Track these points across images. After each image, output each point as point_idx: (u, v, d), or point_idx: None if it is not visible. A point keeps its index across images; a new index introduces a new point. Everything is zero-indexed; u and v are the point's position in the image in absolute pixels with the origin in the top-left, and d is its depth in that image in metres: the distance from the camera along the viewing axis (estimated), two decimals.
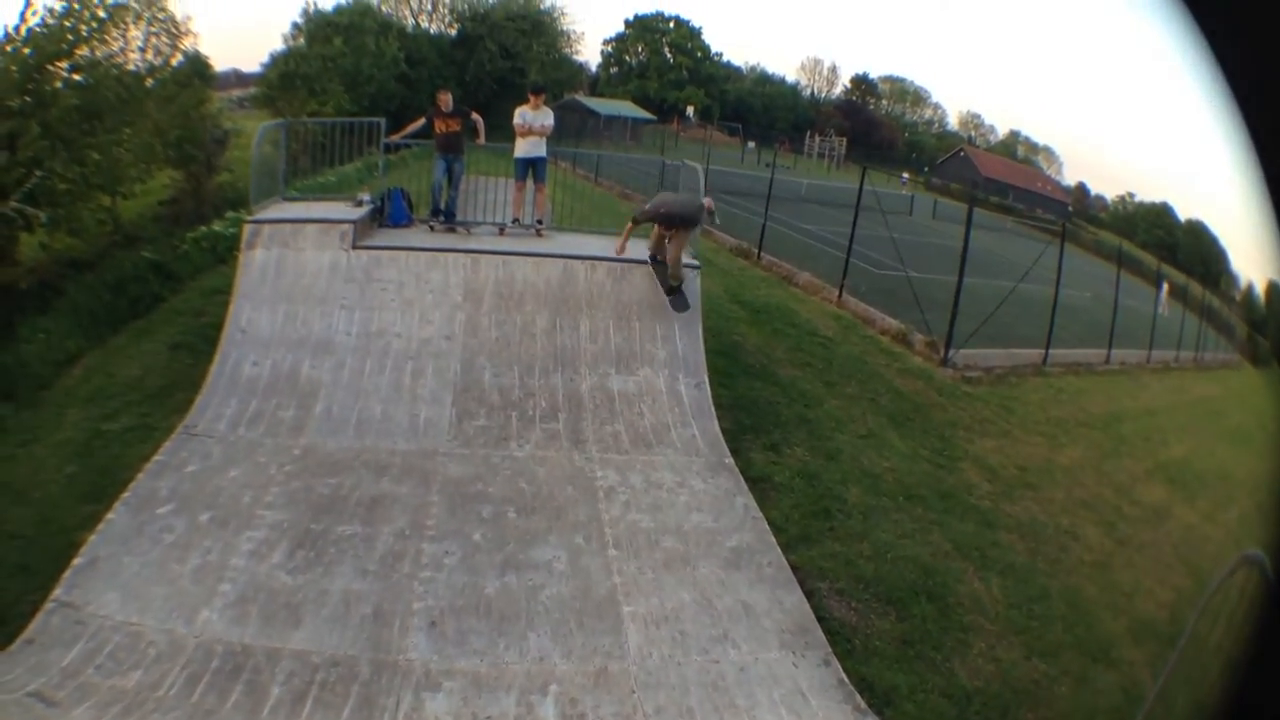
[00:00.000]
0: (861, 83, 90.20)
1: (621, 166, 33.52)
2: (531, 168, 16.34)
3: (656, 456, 12.21)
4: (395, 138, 16.85)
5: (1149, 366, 22.70)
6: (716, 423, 13.04)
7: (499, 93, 58.86)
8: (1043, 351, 20.70)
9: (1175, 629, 10.08)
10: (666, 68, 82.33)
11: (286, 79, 48.67)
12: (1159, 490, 15.69)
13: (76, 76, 21.43)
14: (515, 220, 16.49)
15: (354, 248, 14.17)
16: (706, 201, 14.97)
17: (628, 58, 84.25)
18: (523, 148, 16.27)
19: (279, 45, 56.53)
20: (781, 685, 8.60)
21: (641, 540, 10.48)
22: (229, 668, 8.15)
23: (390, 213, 16.10)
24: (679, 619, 9.33)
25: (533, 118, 16.12)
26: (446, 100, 16.15)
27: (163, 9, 27.89)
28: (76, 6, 21.51)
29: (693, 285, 14.59)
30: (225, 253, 20.37)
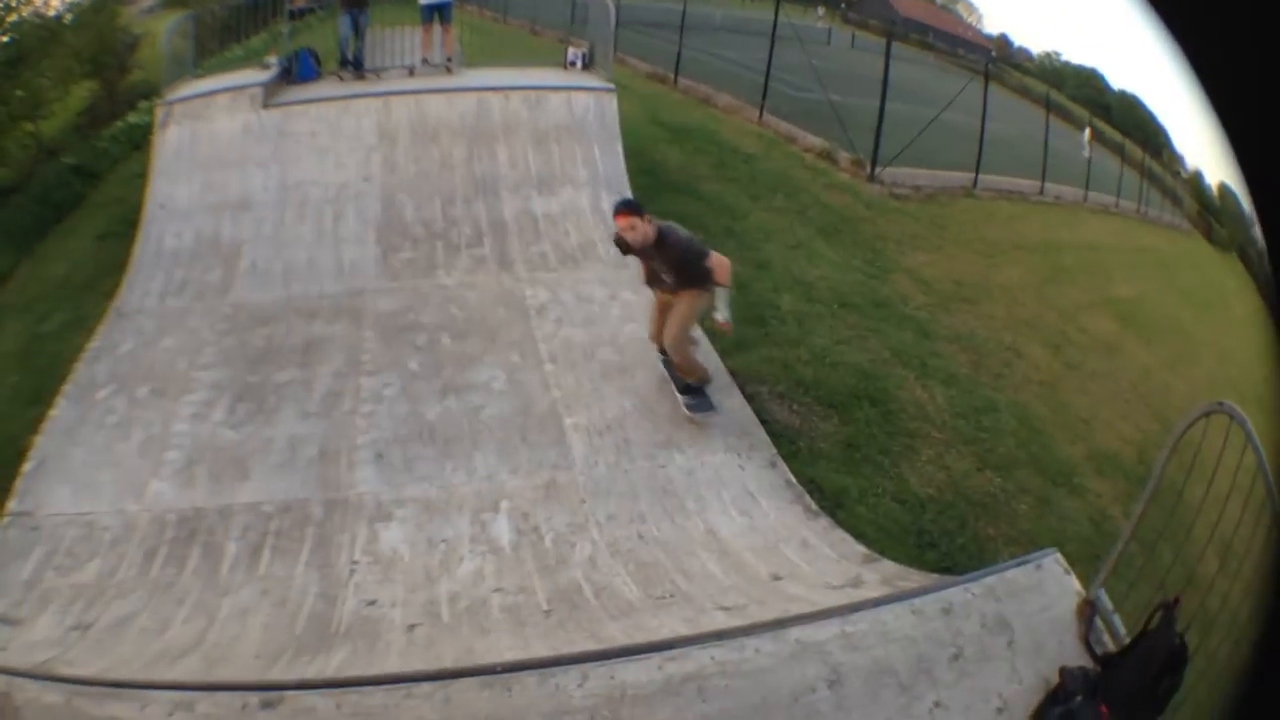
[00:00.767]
0: None
1: (530, 4, 32.68)
2: (437, 11, 16.12)
3: (585, 273, 12.23)
4: (299, 3, 16.63)
5: (1086, 206, 22.53)
6: None
7: None
8: (972, 175, 20.39)
9: (1143, 469, 10.34)
10: None
11: None
12: (1108, 324, 15.66)
13: (3, 39, 21.20)
14: (424, 60, 16.27)
15: (265, 107, 14.02)
16: (717, 266, 9.39)
17: None
18: None
19: None
20: (730, 487, 8.77)
21: (577, 353, 10.58)
22: (184, 535, 8.22)
23: (298, 71, 15.86)
24: (622, 427, 9.47)
25: None
26: None
27: None
28: None
29: (609, 108, 14.56)
30: (141, 140, 20.07)
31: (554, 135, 14.12)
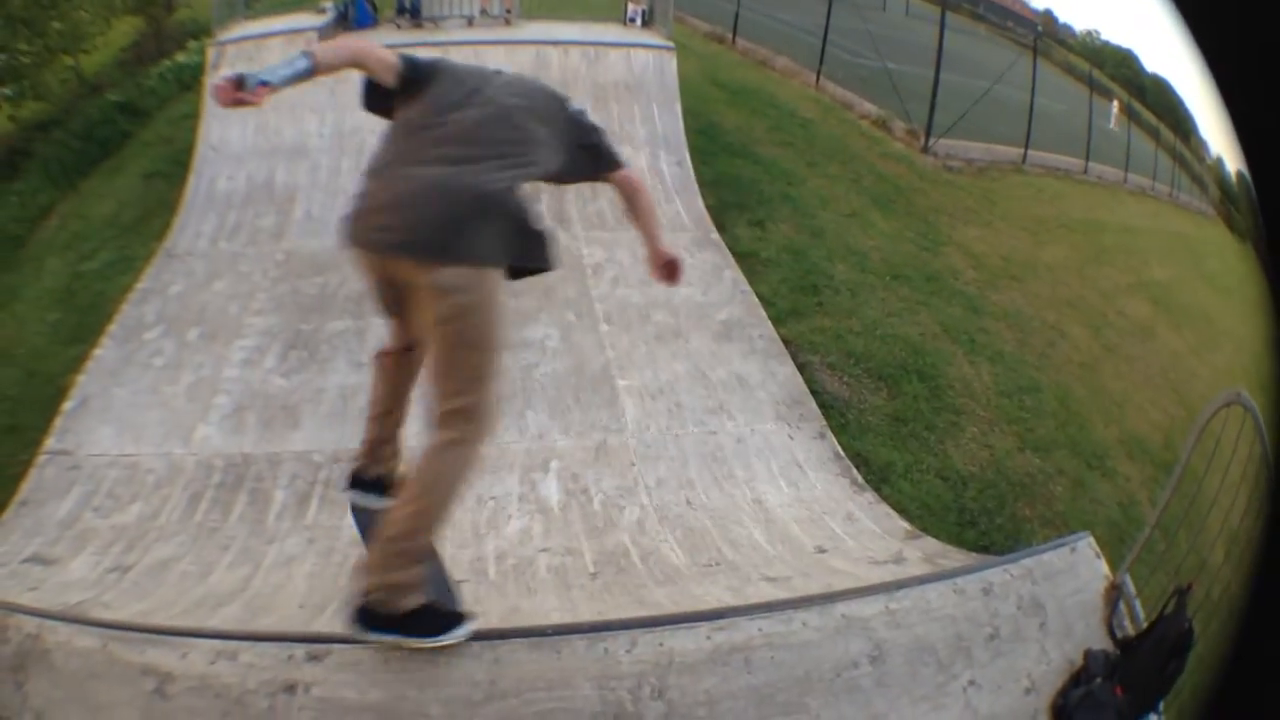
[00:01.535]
0: None
1: None
2: None
3: None
4: None
5: (1125, 187, 22.50)
6: (700, 199, 12.91)
7: None
8: (1022, 150, 20.37)
9: (1169, 455, 10.34)
10: None
11: None
12: (1144, 307, 15.64)
13: None
14: (483, 10, 16.09)
15: None
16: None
17: None
18: None
19: None
20: (779, 457, 8.71)
21: (632, 315, 10.48)
22: (230, 480, 8.22)
23: (355, 16, 15.79)
24: (674, 391, 9.39)
25: None
26: None
27: None
28: None
29: (668, 67, 14.36)
30: (191, 80, 20.03)
31: (613, 92, 13.98)
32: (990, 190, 17.94)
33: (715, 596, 6.56)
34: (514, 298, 10.27)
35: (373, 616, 4.65)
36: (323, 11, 15.48)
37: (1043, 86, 21.31)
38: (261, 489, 8.12)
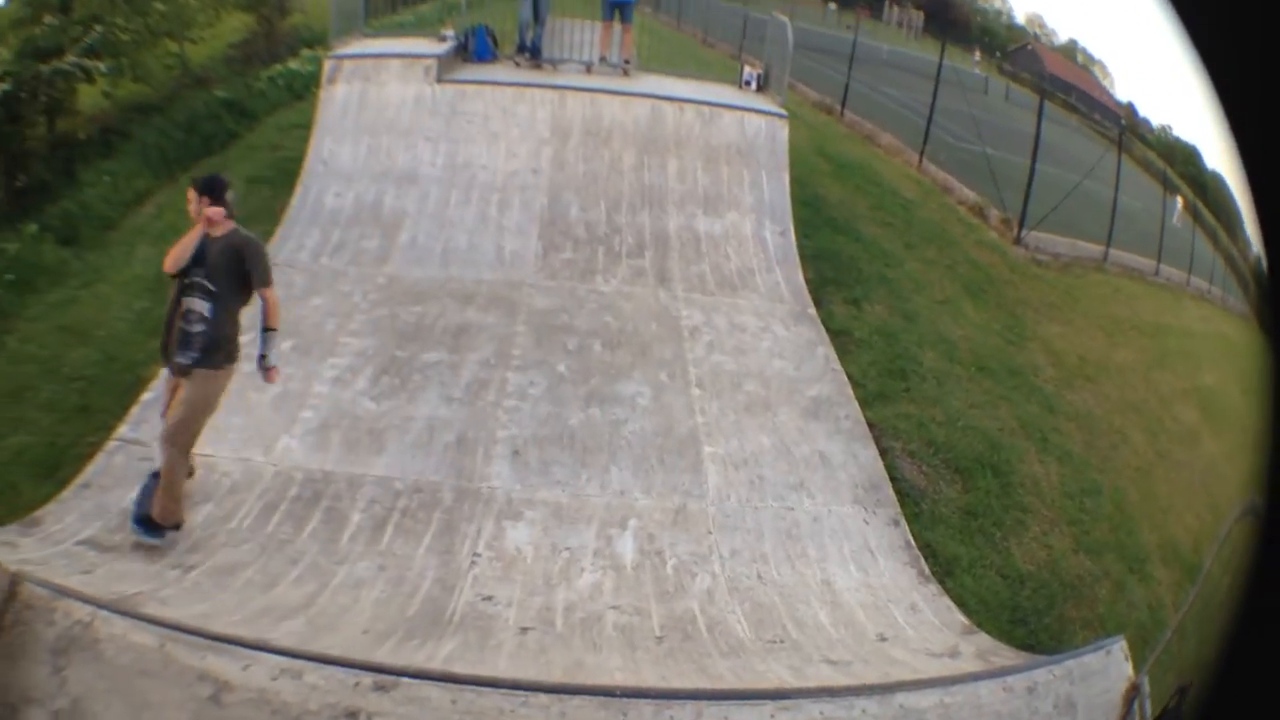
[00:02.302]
0: None
1: (704, 14, 32.99)
2: (618, 9, 16.03)
3: (741, 300, 12.10)
4: None
5: (1188, 290, 22.61)
6: (800, 272, 12.89)
7: None
8: (1104, 249, 20.41)
9: (1195, 559, 10.21)
10: None
11: None
12: (1193, 413, 15.57)
13: None
14: (602, 58, 16.24)
15: (439, 82, 14.01)
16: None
17: None
18: None
19: None
20: (852, 540, 8.65)
21: (724, 382, 10.46)
22: (308, 495, 8.25)
23: (474, 48, 15.95)
24: (758, 463, 9.33)
25: None
26: None
27: None
28: None
29: (780, 135, 14.34)
30: (303, 89, 20.25)
31: (724, 155, 14.03)
32: (1073, 287, 17.95)
33: (777, 674, 6.50)
34: (609, 350, 10.36)
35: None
36: (443, 39, 15.60)
37: (1123, 182, 21.60)
38: (338, 508, 8.13)
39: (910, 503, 9.35)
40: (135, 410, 9.02)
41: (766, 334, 11.42)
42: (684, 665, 6.70)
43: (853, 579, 8.25)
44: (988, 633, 7.82)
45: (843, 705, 5.31)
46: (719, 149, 14.08)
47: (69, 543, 7.34)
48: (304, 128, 14.54)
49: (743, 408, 10.11)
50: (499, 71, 15.40)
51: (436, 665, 5.99)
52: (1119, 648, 6.20)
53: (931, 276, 14.88)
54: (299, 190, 13.20)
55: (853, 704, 5.32)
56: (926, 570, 8.49)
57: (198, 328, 7.58)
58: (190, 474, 7.97)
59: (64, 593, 5.47)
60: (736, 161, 13.99)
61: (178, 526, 7.62)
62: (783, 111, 14.86)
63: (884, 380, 11.16)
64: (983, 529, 9.45)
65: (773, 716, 5.13)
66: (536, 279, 11.99)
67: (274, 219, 12.75)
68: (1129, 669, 6.09)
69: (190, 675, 4.87)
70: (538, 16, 16.02)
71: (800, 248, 13.41)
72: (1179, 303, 21.49)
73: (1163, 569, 10.47)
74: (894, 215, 17.05)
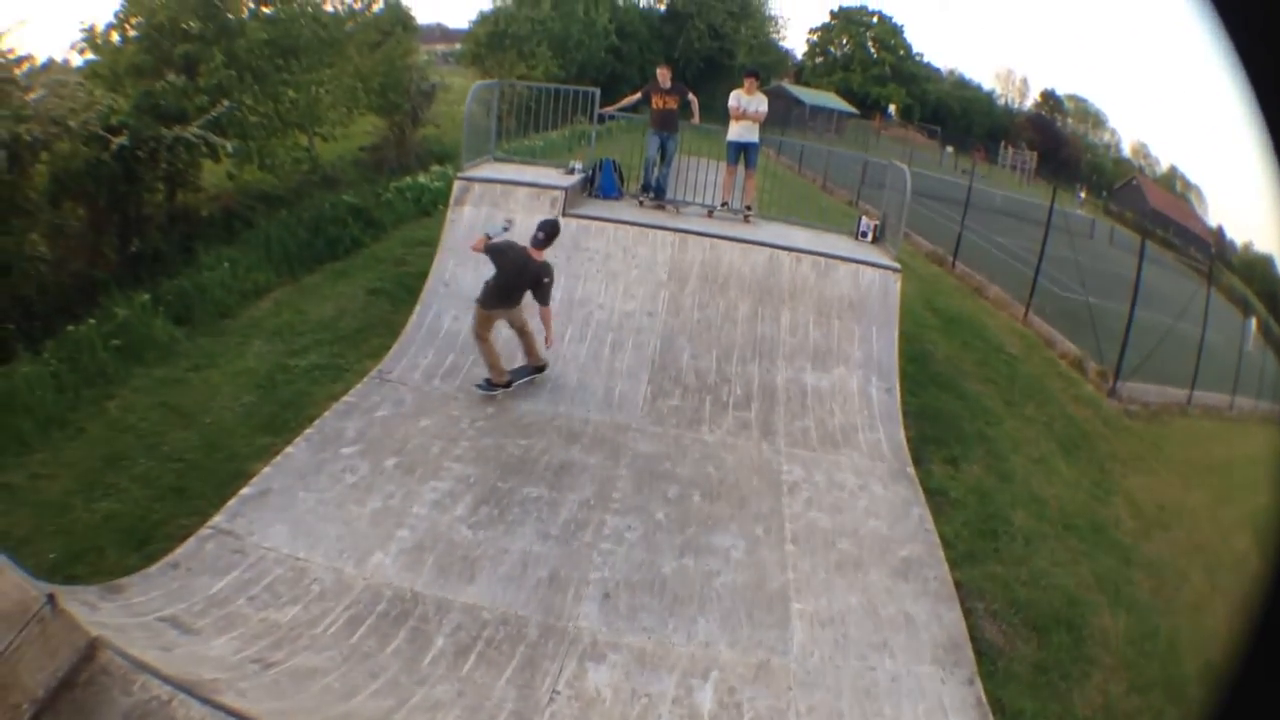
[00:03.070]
0: (1050, 98, 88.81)
1: (825, 159, 33.64)
2: (744, 152, 16.33)
3: (842, 457, 12.15)
4: (609, 109, 16.98)
5: (1257, 414, 22.44)
6: (902, 430, 12.94)
7: (705, 72, 58.88)
8: (1188, 392, 20.58)
9: None
10: (870, 62, 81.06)
11: (495, 38, 48.91)
12: (1246, 542, 15.43)
13: (265, 9, 21.89)
14: (724, 203, 16.54)
15: (564, 215, 14.32)
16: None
17: (832, 48, 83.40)
18: (736, 131, 16.26)
19: (486, 3, 56.74)
20: (927, 699, 8.57)
21: (819, 539, 10.47)
22: (395, 613, 8.36)
23: (600, 183, 16.40)
24: (844, 622, 9.31)
25: (748, 102, 16.09)
26: (666, 76, 16.12)
27: None
28: None
29: (892, 289, 14.51)
30: (430, 205, 20.80)
31: (836, 308, 14.20)
32: (1158, 437, 18.00)
33: None
34: (708, 500, 10.49)
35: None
36: (571, 172, 16.06)
37: (1209, 315, 21.95)
38: (424, 630, 8.25)
39: (987, 661, 9.32)
40: (233, 503, 9.33)
41: (864, 492, 11.47)
42: None
43: None
44: None
45: None
46: (832, 301, 14.26)
47: (150, 616, 7.54)
48: (429, 245, 14.94)
49: (834, 565, 10.13)
50: (623, 209, 15.80)
51: None
52: None
53: (1029, 434, 14.95)
54: (418, 308, 13.61)
55: None
56: None
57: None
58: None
59: (144, 668, 5.65)
60: (848, 315, 14.16)
61: (509, 385, 12.14)
62: (896, 265, 15.00)
63: (975, 541, 11.19)
64: (1051, 682, 9.40)
65: None
66: (643, 423, 12.16)
67: (391, 333, 13.13)
68: None
69: None
70: (664, 156, 16.39)
71: (904, 404, 13.48)
72: (1247, 432, 21.54)
73: (1197, 688, 10.41)
74: (997, 371, 17.22)
